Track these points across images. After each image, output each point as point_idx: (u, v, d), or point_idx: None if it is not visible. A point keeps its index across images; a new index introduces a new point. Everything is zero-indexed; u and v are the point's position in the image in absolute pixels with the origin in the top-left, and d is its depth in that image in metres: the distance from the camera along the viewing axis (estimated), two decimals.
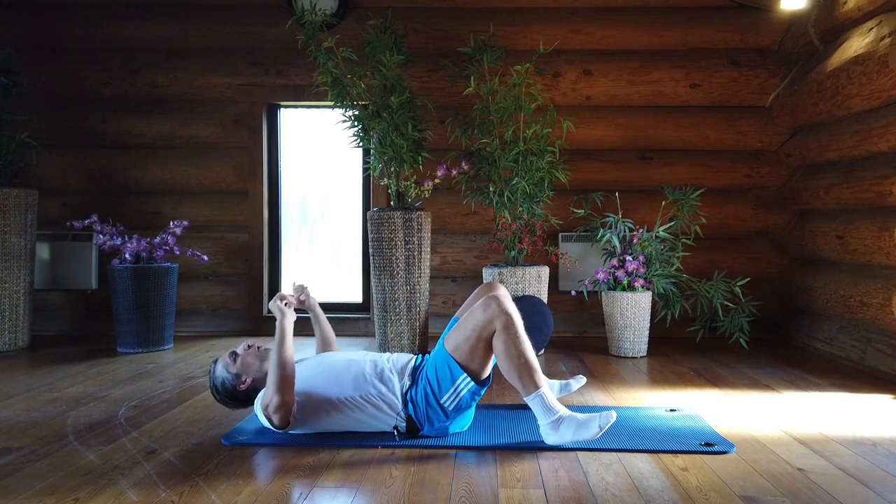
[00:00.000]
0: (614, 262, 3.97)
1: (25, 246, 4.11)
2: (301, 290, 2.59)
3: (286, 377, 2.22)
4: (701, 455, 2.18)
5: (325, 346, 2.74)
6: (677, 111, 4.52)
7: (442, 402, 2.26)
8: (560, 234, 4.46)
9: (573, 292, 4.41)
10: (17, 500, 1.82)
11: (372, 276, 3.95)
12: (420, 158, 3.87)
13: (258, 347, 2.46)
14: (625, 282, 3.89)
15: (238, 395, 2.41)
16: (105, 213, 4.46)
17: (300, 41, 3.84)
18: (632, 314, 3.85)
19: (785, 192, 4.46)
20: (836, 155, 3.84)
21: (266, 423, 2.29)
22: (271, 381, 2.22)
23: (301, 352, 3.31)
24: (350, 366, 2.37)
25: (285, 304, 2.39)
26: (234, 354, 2.43)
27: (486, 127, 4.02)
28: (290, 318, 2.35)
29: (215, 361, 2.45)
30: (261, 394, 2.32)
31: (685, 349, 4.09)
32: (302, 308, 2.59)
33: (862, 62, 3.36)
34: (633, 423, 2.51)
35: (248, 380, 2.39)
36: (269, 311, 2.41)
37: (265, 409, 2.24)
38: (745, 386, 3.15)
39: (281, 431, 2.29)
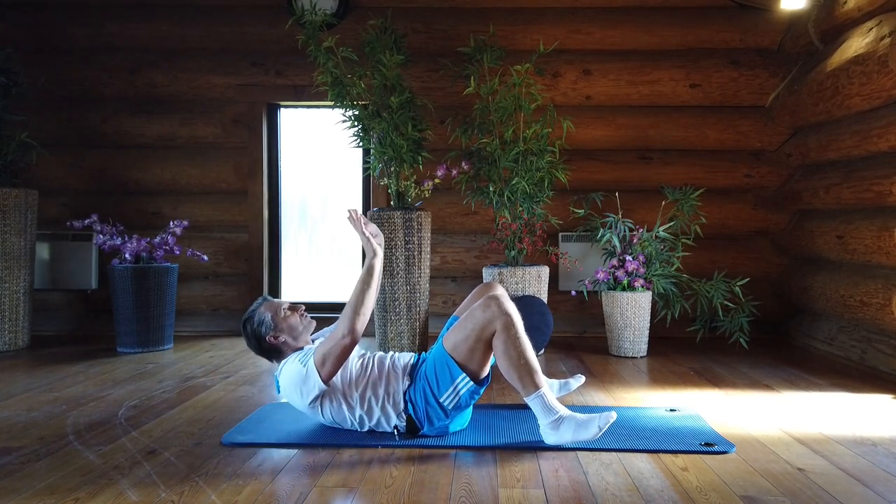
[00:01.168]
0: (614, 261, 3.97)
1: (25, 246, 4.11)
2: (360, 216, 2.46)
3: (363, 316, 2.25)
4: (701, 455, 2.18)
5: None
6: (677, 111, 4.52)
7: (441, 401, 2.26)
8: (560, 234, 4.46)
9: (573, 292, 4.41)
10: (17, 500, 1.82)
11: None
12: (420, 158, 3.87)
13: (310, 318, 2.49)
14: (625, 282, 3.89)
15: (262, 343, 2.42)
16: (105, 213, 4.46)
17: (300, 41, 3.84)
18: (632, 314, 3.85)
19: (785, 192, 4.46)
20: (836, 155, 3.84)
21: (309, 372, 2.25)
22: (348, 318, 2.23)
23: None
24: (371, 366, 2.39)
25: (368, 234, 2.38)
26: (293, 307, 2.45)
27: (486, 127, 4.02)
28: (381, 256, 2.38)
29: (265, 299, 2.47)
30: (289, 364, 2.33)
31: (685, 349, 4.09)
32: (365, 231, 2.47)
33: (862, 62, 3.36)
34: (633, 423, 2.51)
35: (281, 337, 2.41)
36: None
37: (325, 353, 2.23)
38: (745, 386, 3.15)
39: (321, 384, 2.25)
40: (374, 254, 2.37)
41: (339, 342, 2.23)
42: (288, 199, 4.89)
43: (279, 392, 2.43)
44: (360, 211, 2.55)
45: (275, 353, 2.44)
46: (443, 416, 2.29)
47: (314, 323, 2.53)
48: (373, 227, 2.53)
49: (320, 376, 2.25)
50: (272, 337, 2.41)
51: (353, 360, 2.40)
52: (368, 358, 2.43)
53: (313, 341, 2.54)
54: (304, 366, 2.29)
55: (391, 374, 2.36)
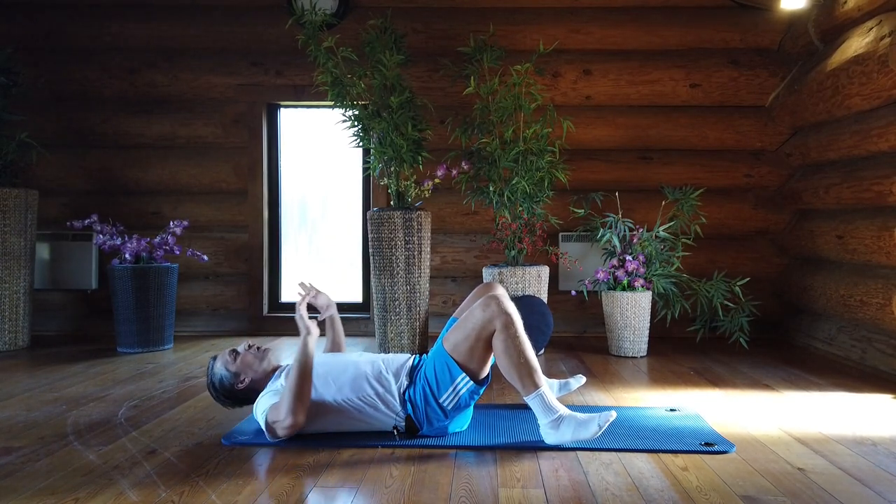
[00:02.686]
0: (614, 261, 3.97)
1: (25, 246, 4.11)
2: (310, 289, 2.53)
3: (304, 398, 2.19)
4: (701, 455, 2.18)
5: (333, 350, 2.74)
6: (677, 111, 4.52)
7: (441, 401, 2.26)
8: (560, 234, 4.47)
9: (573, 292, 4.41)
10: (17, 500, 1.82)
11: (372, 276, 3.95)
12: (420, 158, 3.87)
13: (258, 348, 2.45)
14: (625, 281, 3.89)
15: (236, 395, 2.40)
16: (105, 213, 4.46)
17: (300, 41, 3.84)
18: (632, 314, 3.85)
19: (785, 192, 4.46)
20: (836, 155, 3.84)
21: (264, 429, 2.27)
22: (287, 400, 2.17)
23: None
24: (348, 367, 2.36)
25: (308, 311, 2.38)
26: (235, 353, 2.42)
27: (486, 127, 4.02)
28: (315, 335, 2.27)
29: (214, 359, 2.44)
30: (264, 401, 2.30)
31: (685, 349, 4.09)
32: (314, 309, 2.55)
33: (862, 62, 3.36)
34: (633, 422, 2.51)
35: (246, 379, 2.39)
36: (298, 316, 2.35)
37: (272, 424, 2.22)
38: (745, 386, 3.15)
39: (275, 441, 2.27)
40: (308, 332, 2.26)
41: (281, 422, 2.19)
42: (288, 199, 4.89)
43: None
44: (312, 284, 2.55)
45: (252, 393, 2.41)
46: (442, 417, 2.29)
47: (269, 347, 2.48)
48: (324, 297, 2.58)
49: (273, 437, 2.24)
50: (239, 383, 2.39)
51: (349, 369, 2.37)
52: (362, 367, 2.38)
53: (281, 365, 2.51)
54: (256, 418, 2.32)
55: (382, 377, 2.33)
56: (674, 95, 4.49)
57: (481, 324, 2.21)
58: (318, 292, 2.59)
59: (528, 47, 4.39)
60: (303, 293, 2.50)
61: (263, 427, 2.27)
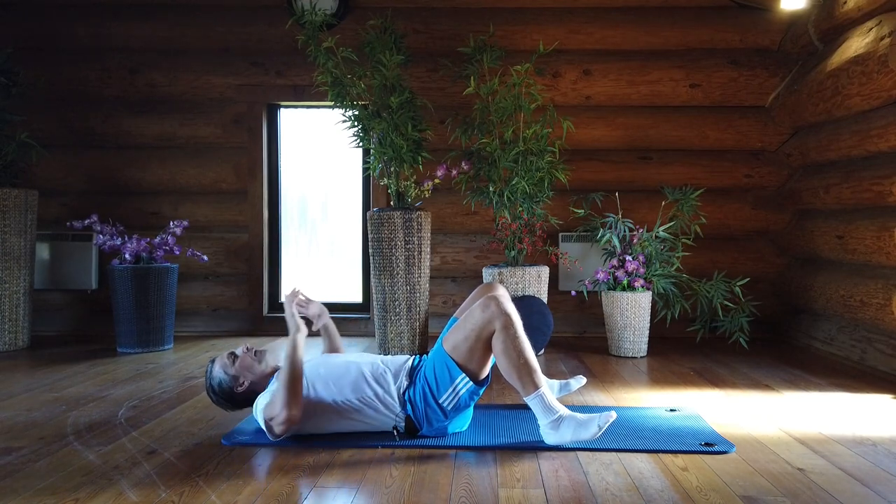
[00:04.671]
0: (614, 262, 3.97)
1: (25, 246, 4.11)
2: (295, 295, 2.52)
3: (296, 393, 2.19)
4: (701, 455, 2.18)
5: (330, 352, 2.73)
6: (677, 111, 4.52)
7: (441, 402, 2.26)
8: (560, 234, 4.47)
9: (573, 292, 4.41)
10: (17, 500, 1.82)
11: (372, 276, 3.95)
12: (420, 158, 3.87)
13: (256, 351, 2.45)
14: (625, 282, 3.89)
15: (235, 398, 2.40)
16: (105, 213, 4.46)
17: (300, 41, 3.85)
18: (632, 314, 3.85)
19: (785, 192, 4.46)
20: (835, 155, 3.84)
21: (264, 428, 2.27)
22: (281, 396, 2.18)
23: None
24: (348, 368, 2.36)
25: (299, 308, 2.38)
26: (233, 356, 2.42)
27: (486, 127, 4.02)
28: (304, 332, 2.32)
29: (213, 362, 2.44)
30: (262, 400, 2.31)
31: (685, 349, 4.09)
32: (304, 314, 2.55)
33: (862, 62, 3.36)
34: (633, 423, 2.51)
35: (245, 382, 2.38)
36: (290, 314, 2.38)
37: (269, 420, 2.22)
38: (745, 386, 3.15)
39: (276, 440, 2.27)
40: (297, 329, 2.30)
41: (276, 417, 2.19)
42: (288, 199, 4.89)
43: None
44: (302, 292, 2.53)
45: (252, 395, 2.41)
46: (442, 418, 2.29)
47: (264, 349, 2.48)
48: (315, 306, 2.56)
49: (271, 434, 2.24)
50: (238, 387, 2.38)
51: (349, 369, 2.37)
52: (361, 368, 2.38)
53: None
54: (256, 418, 2.32)
55: (382, 377, 2.34)
56: (674, 95, 4.49)
57: (481, 324, 2.21)
58: (310, 301, 2.57)
59: (528, 47, 4.39)
60: (290, 294, 2.49)
61: (263, 426, 2.27)
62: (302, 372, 2.24)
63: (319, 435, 2.33)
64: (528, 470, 2.05)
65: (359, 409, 2.30)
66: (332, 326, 2.70)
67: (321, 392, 2.30)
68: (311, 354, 2.69)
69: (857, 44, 3.45)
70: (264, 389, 2.39)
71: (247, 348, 2.44)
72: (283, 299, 2.50)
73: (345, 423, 2.32)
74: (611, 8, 4.48)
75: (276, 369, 2.46)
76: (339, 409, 2.29)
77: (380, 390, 2.31)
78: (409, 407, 2.30)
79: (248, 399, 2.41)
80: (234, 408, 2.44)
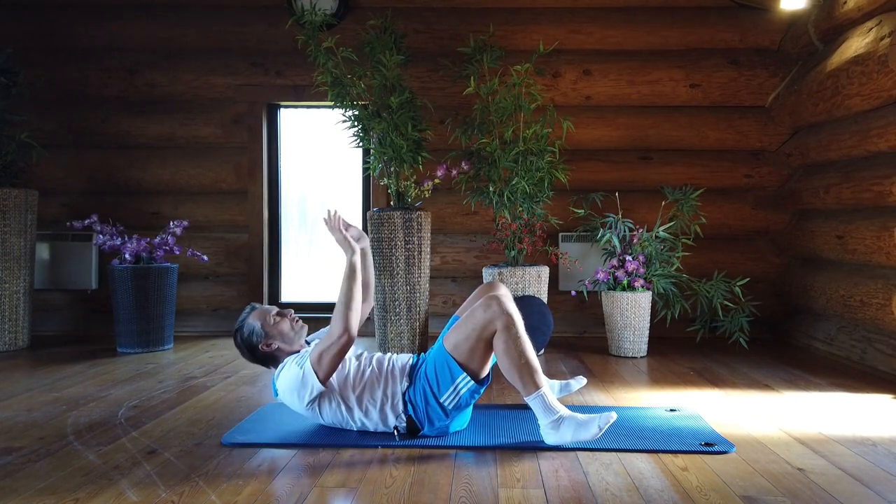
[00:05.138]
0: (614, 262, 3.97)
1: (25, 246, 4.11)
2: (335, 219, 2.46)
3: (357, 311, 2.26)
4: (701, 455, 2.18)
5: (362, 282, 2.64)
6: (677, 111, 4.52)
7: (441, 401, 2.26)
8: (560, 234, 4.47)
9: (573, 292, 4.41)
10: (17, 500, 1.82)
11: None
12: (420, 158, 3.87)
13: (299, 323, 2.46)
14: (625, 282, 3.89)
15: (255, 351, 2.41)
16: (105, 213, 4.46)
17: (300, 41, 3.85)
18: (632, 314, 3.85)
19: (785, 192, 4.46)
20: (835, 155, 3.84)
21: (306, 375, 2.24)
22: (340, 316, 2.22)
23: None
24: (364, 371, 2.38)
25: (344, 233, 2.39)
26: (281, 314, 2.44)
27: (486, 127, 4.02)
28: (358, 253, 2.39)
29: (253, 308, 2.45)
30: (286, 368, 2.32)
31: (685, 349, 4.09)
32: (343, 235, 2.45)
33: (862, 62, 3.36)
34: (633, 423, 2.51)
35: (274, 344, 2.39)
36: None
37: (322, 352, 2.21)
38: (745, 386, 3.15)
39: (319, 385, 2.24)
40: (353, 251, 2.37)
41: (336, 341, 2.22)
42: (288, 199, 4.89)
43: (277, 396, 2.42)
44: (339, 213, 2.50)
45: (270, 359, 2.43)
46: (443, 417, 2.29)
47: (306, 326, 2.50)
48: (354, 231, 2.53)
49: (318, 377, 2.24)
50: (265, 345, 2.39)
51: (350, 361, 2.40)
52: (366, 359, 2.43)
53: (308, 343, 2.53)
54: (301, 367, 2.28)
55: (389, 377, 2.35)
56: (674, 95, 4.49)
57: (482, 324, 2.21)
58: (349, 225, 2.52)
59: (528, 47, 4.39)
60: (333, 218, 2.44)
61: (302, 376, 2.24)
62: (360, 289, 2.31)
63: (320, 434, 2.33)
64: (529, 470, 2.05)
65: (366, 410, 2.33)
66: (369, 253, 2.66)
67: (348, 387, 2.33)
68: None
69: (857, 44, 3.45)
70: (283, 359, 2.39)
71: (293, 316, 2.46)
72: (324, 221, 2.47)
73: (352, 421, 2.33)
74: (611, 8, 4.48)
75: (302, 347, 2.47)
76: (351, 403, 2.32)
77: (388, 391, 2.33)
78: (409, 406, 2.30)
79: (264, 359, 2.42)
80: (250, 358, 2.44)
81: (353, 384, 2.33)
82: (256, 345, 2.40)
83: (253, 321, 2.41)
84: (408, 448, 2.24)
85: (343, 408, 2.32)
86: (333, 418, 2.35)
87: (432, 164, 4.15)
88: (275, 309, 2.47)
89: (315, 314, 4.62)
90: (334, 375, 2.31)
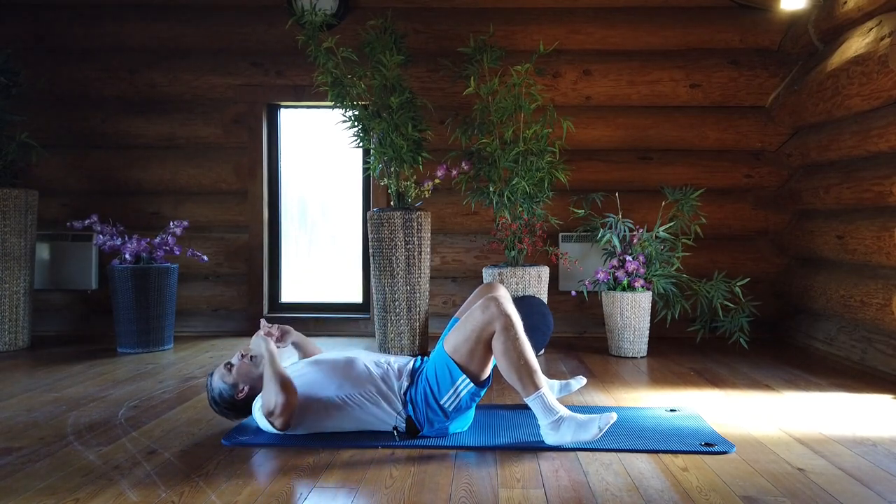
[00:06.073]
0: (614, 262, 3.97)
1: (25, 246, 4.11)
2: (268, 327, 2.54)
3: (285, 381, 2.22)
4: (701, 455, 2.18)
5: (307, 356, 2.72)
6: (677, 111, 4.52)
7: (441, 403, 2.26)
8: (560, 234, 4.47)
9: (573, 292, 4.41)
10: (17, 500, 1.82)
11: (372, 276, 3.95)
12: (420, 158, 3.87)
13: (251, 357, 2.45)
14: (625, 282, 3.89)
15: (237, 405, 2.40)
16: (105, 213, 4.46)
17: (300, 41, 3.85)
18: (632, 314, 3.85)
19: (785, 192, 4.46)
20: (836, 155, 3.84)
21: (266, 426, 2.28)
22: (272, 386, 2.21)
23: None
24: (351, 363, 2.37)
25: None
26: (230, 365, 2.43)
27: (486, 127, 4.02)
28: (273, 342, 2.40)
29: (211, 375, 2.45)
30: (259, 399, 2.32)
31: (685, 349, 4.09)
32: (281, 343, 2.56)
33: (862, 62, 3.36)
34: (633, 423, 2.51)
35: (245, 388, 2.39)
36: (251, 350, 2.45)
37: (269, 415, 2.23)
38: (745, 386, 3.15)
39: (282, 433, 2.29)
40: (266, 343, 2.37)
41: (277, 407, 2.20)
42: (288, 199, 4.89)
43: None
44: (264, 324, 2.55)
45: (252, 400, 2.42)
46: (443, 418, 2.29)
47: (263, 338, 2.47)
48: (277, 330, 2.57)
49: (275, 427, 2.25)
50: (239, 394, 2.38)
51: (307, 369, 2.40)
52: (363, 363, 2.40)
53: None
54: (255, 418, 2.33)
55: (385, 375, 2.35)
56: (674, 96, 4.49)
57: (481, 325, 2.21)
58: (271, 328, 2.56)
59: (528, 47, 4.39)
60: (258, 334, 2.49)
61: (263, 422, 2.28)
62: (282, 367, 2.29)
63: (320, 434, 2.33)
64: (529, 470, 2.05)
65: (360, 404, 2.30)
66: (301, 337, 2.70)
67: (319, 392, 2.30)
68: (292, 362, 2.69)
69: (857, 44, 3.45)
70: (255, 397, 2.40)
71: (242, 355, 2.44)
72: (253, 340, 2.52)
73: (345, 420, 2.31)
74: (611, 8, 4.48)
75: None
76: (342, 404, 2.29)
77: (384, 387, 2.32)
78: (409, 407, 2.30)
79: (249, 405, 2.42)
80: (237, 416, 2.44)
81: (352, 384, 2.32)
82: (233, 398, 2.38)
83: (216, 384, 2.40)
84: (408, 448, 2.24)
85: (336, 414, 2.30)
86: (328, 426, 2.33)
87: (432, 164, 4.15)
88: (222, 363, 2.46)
89: (315, 314, 4.63)
90: (300, 390, 2.29)
